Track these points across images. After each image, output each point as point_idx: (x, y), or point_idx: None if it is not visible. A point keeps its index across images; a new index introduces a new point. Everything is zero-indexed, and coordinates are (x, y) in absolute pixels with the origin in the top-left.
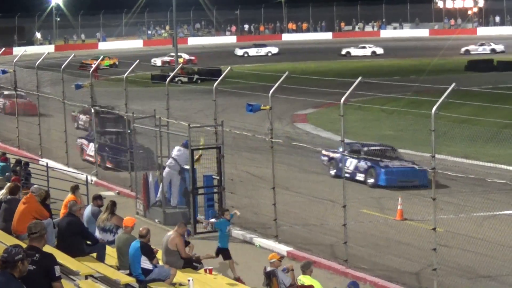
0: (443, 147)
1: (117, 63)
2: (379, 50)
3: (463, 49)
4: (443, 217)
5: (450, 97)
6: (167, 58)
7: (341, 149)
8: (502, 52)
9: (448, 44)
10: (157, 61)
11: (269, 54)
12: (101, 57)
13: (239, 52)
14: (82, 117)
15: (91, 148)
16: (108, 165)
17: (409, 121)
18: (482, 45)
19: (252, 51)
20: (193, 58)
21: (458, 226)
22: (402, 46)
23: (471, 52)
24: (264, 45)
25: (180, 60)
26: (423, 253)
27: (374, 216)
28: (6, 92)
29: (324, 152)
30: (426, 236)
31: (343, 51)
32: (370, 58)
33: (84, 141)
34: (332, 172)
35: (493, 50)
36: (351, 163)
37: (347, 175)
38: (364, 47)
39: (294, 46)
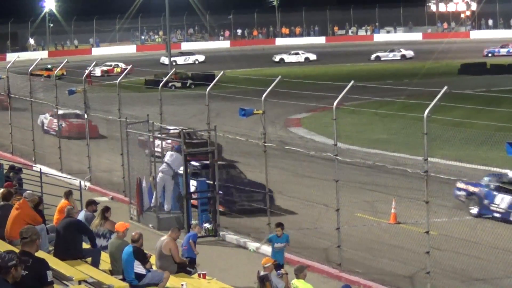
0: (436, 150)
1: (64, 73)
2: (312, 56)
3: (373, 56)
4: (436, 220)
5: (443, 100)
6: (104, 68)
7: (486, 180)
8: (412, 57)
9: (441, 47)
10: (96, 71)
11: (196, 62)
12: (49, 66)
13: (166, 61)
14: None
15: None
16: (221, 209)
17: (402, 124)
18: (392, 51)
19: (180, 59)
20: (129, 67)
21: (451, 229)
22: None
23: (382, 58)
24: (191, 53)
25: (118, 69)
26: (416, 256)
27: (367, 219)
28: (61, 112)
29: (460, 185)
30: (420, 239)
31: (277, 58)
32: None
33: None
34: (474, 210)
35: (403, 56)
36: (502, 200)
37: (497, 214)
38: (297, 53)
39: (288, 51)
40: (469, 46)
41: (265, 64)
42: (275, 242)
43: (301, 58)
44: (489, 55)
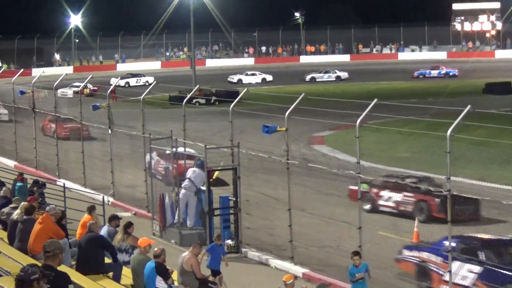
0: (459, 169)
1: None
2: (343, 75)
3: (308, 77)
4: None
5: (467, 120)
6: (76, 88)
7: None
8: (347, 79)
9: (467, 66)
10: (68, 92)
11: (146, 84)
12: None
13: (122, 82)
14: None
15: None
16: None
17: (426, 143)
18: (327, 72)
19: (132, 81)
20: (95, 88)
21: None
22: (420, 68)
23: (317, 80)
24: (141, 75)
25: (87, 91)
26: None
27: (390, 238)
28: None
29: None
30: None
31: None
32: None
33: None
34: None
35: (338, 77)
36: None
37: None
38: (327, 72)
39: (313, 69)
40: (494, 66)
41: (291, 81)
42: (354, 273)
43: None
44: (420, 76)
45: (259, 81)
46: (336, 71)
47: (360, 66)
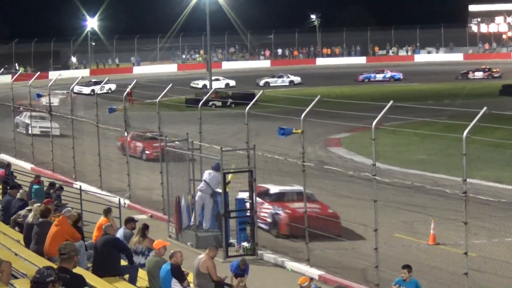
0: (476, 171)
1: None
2: (296, 79)
3: (262, 82)
4: (476, 242)
5: (483, 122)
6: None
7: None
8: (300, 83)
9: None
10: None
11: (110, 91)
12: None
13: (86, 90)
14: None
15: None
16: None
17: (442, 145)
18: (280, 77)
19: (97, 88)
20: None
21: (491, 251)
22: (436, 70)
23: (271, 84)
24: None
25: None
26: (455, 277)
27: (406, 240)
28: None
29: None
30: (458, 260)
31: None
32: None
33: None
34: None
35: (291, 82)
36: None
37: None
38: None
39: (328, 71)
40: (510, 67)
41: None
42: (398, 284)
43: (285, 81)
44: (365, 80)
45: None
46: (289, 75)
47: (376, 68)
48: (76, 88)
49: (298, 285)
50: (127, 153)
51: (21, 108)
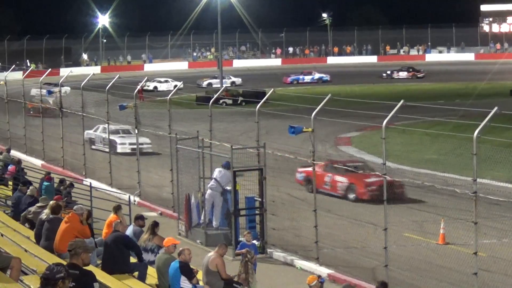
0: (487, 171)
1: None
2: (238, 80)
3: (205, 83)
4: (485, 242)
5: (495, 122)
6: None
7: None
8: (240, 85)
9: (495, 68)
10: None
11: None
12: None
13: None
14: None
15: None
16: None
17: (453, 145)
18: (223, 78)
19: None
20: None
21: (501, 251)
22: (447, 70)
23: (214, 85)
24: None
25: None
26: (464, 277)
27: (416, 239)
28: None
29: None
30: (468, 260)
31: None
32: (414, 82)
33: None
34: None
35: (233, 83)
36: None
37: None
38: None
39: (340, 69)
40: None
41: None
42: None
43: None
44: (294, 82)
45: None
46: (230, 76)
47: (387, 68)
48: (34, 92)
49: (306, 284)
50: (314, 188)
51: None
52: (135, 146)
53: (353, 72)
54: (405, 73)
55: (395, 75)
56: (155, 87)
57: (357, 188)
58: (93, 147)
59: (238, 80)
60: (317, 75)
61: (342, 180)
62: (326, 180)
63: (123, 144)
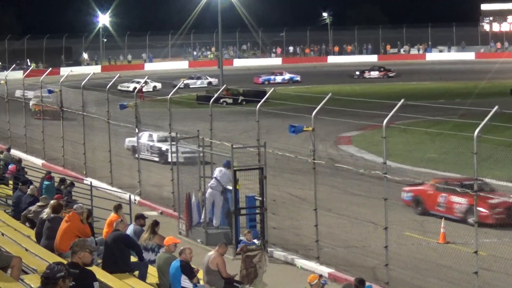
0: (487, 170)
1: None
2: (214, 81)
3: (182, 83)
4: (486, 241)
5: (495, 121)
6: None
7: None
8: (217, 85)
9: (496, 67)
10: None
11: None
12: None
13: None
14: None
15: None
16: None
17: (453, 144)
18: (199, 78)
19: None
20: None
21: (501, 250)
22: (448, 69)
23: (191, 86)
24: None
25: None
26: (465, 276)
27: (416, 238)
28: None
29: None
30: (469, 259)
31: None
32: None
33: None
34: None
35: (209, 83)
36: None
37: None
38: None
39: (340, 69)
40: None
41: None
42: None
43: (204, 83)
44: (265, 82)
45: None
46: (207, 77)
47: (388, 67)
48: (18, 93)
49: (307, 283)
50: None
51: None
52: (189, 155)
53: (352, 72)
54: (377, 72)
55: (366, 75)
56: (135, 88)
57: (482, 210)
58: (139, 156)
59: (214, 81)
60: (287, 76)
61: (460, 201)
62: (440, 201)
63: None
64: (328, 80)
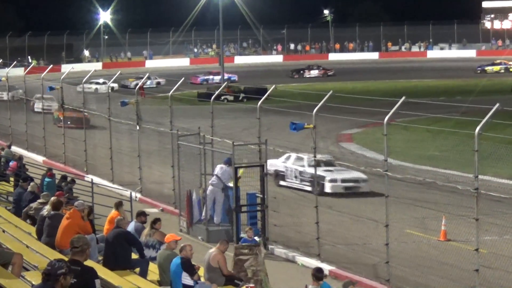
0: (488, 168)
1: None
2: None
3: (133, 83)
4: (487, 239)
5: (496, 118)
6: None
7: None
8: (164, 85)
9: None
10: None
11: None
12: None
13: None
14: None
15: None
16: None
17: (454, 141)
18: (148, 78)
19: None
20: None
21: (502, 248)
22: (449, 66)
23: (145, 86)
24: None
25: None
26: (466, 274)
27: (417, 236)
28: None
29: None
30: (469, 257)
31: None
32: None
33: None
34: None
35: (158, 83)
36: None
37: None
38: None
39: (341, 66)
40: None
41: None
42: None
43: (153, 83)
44: (204, 83)
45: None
46: (156, 77)
47: (389, 64)
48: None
49: (309, 279)
50: (315, 186)
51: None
52: (351, 184)
53: (354, 69)
54: (316, 71)
55: (306, 74)
56: (96, 89)
57: None
58: (282, 183)
59: (162, 81)
60: (226, 76)
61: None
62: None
63: (334, 182)
64: (329, 78)
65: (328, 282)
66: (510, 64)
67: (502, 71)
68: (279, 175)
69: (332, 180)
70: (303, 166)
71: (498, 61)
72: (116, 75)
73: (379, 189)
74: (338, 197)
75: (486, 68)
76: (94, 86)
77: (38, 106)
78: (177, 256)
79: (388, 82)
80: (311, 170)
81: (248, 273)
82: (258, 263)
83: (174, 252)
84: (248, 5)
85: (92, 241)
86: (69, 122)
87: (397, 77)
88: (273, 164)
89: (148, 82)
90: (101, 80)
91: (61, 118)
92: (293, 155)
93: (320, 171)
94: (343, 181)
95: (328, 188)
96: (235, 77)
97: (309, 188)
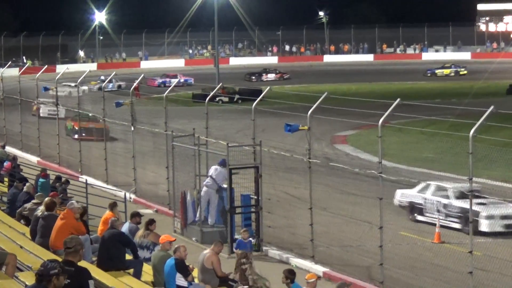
0: (482, 170)
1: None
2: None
3: (96, 87)
4: (481, 241)
5: (490, 120)
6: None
7: None
8: (124, 88)
9: (492, 67)
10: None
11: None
12: None
13: None
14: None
15: None
16: None
17: (449, 144)
18: (110, 81)
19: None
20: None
21: (496, 250)
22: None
23: (106, 90)
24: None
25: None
26: (459, 276)
27: (411, 238)
28: None
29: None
30: (463, 259)
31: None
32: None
33: None
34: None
35: (119, 86)
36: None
37: None
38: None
39: (336, 68)
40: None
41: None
42: None
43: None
44: (161, 85)
45: (115, 88)
46: (118, 80)
47: (383, 66)
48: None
49: (303, 281)
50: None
51: None
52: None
53: (349, 71)
54: (273, 75)
55: (264, 78)
56: (70, 92)
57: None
58: (420, 218)
59: (123, 84)
60: (182, 79)
61: None
62: None
63: (491, 218)
64: (324, 79)
65: (322, 284)
66: (460, 68)
67: (452, 74)
68: (415, 208)
69: (489, 217)
70: (447, 197)
71: (448, 64)
72: (111, 75)
73: (375, 191)
74: (332, 200)
75: (437, 71)
76: (67, 89)
77: (44, 111)
78: (171, 257)
79: (383, 84)
80: (459, 203)
81: (249, 281)
82: (253, 271)
83: (168, 253)
84: (243, 7)
85: (86, 241)
86: (84, 134)
87: (392, 79)
88: (406, 195)
89: (110, 85)
90: (73, 83)
91: (76, 128)
92: (433, 184)
93: (476, 206)
94: (503, 217)
95: (484, 226)
96: (191, 80)
97: (457, 226)
